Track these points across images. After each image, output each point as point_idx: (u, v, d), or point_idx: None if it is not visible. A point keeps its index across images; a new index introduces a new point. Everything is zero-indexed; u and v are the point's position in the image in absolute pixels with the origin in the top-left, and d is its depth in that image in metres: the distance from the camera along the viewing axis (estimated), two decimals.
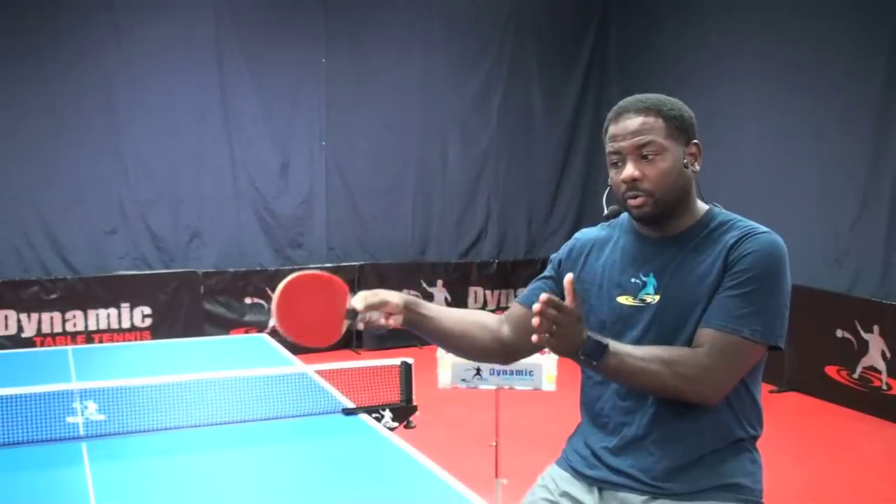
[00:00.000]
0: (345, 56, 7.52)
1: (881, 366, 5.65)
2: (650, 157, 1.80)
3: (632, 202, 1.83)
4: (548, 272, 2.08)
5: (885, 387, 5.62)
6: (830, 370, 5.95)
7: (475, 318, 2.05)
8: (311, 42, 7.41)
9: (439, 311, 2.02)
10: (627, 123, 1.82)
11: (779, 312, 1.77)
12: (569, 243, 2.07)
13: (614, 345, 1.72)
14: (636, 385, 1.78)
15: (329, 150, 7.58)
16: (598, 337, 1.71)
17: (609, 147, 1.85)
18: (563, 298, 1.91)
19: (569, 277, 1.70)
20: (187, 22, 6.98)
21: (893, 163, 5.76)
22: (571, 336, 1.68)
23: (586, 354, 1.69)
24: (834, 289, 5.98)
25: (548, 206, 8.45)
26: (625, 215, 1.99)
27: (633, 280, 1.88)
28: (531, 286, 2.11)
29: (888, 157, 5.78)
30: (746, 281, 1.75)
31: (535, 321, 1.65)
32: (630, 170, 1.81)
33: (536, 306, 1.65)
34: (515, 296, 8.20)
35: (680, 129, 1.83)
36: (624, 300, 1.87)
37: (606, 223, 2.05)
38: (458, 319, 2.02)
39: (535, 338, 1.66)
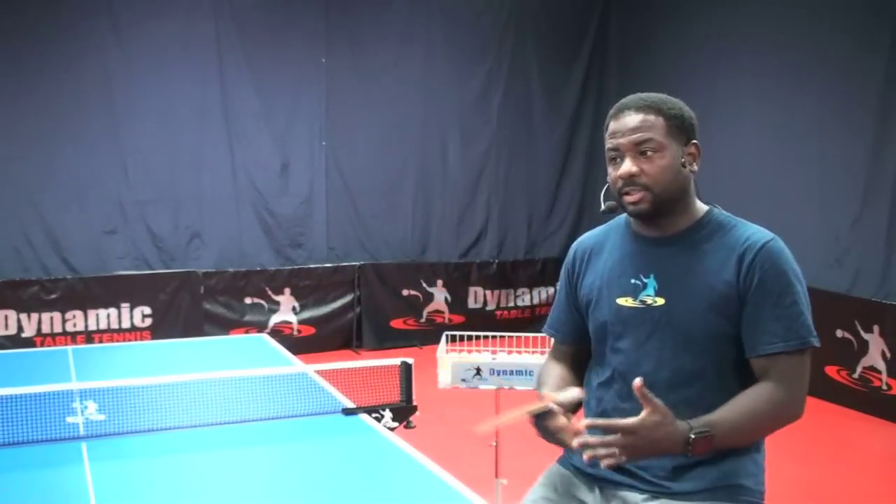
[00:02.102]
0: (345, 56, 7.51)
1: (881, 366, 5.65)
2: (648, 153, 1.81)
3: (628, 198, 1.83)
4: (560, 288, 2.10)
5: (885, 387, 5.62)
6: (830, 370, 5.95)
7: (559, 382, 2.01)
8: (311, 42, 7.40)
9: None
10: (627, 120, 1.83)
11: (810, 313, 1.81)
12: (569, 255, 2.09)
13: (710, 422, 1.70)
14: (736, 446, 1.78)
15: (329, 150, 7.58)
16: (702, 426, 1.68)
17: (608, 143, 1.86)
18: (577, 302, 1.95)
19: (636, 383, 1.65)
20: (187, 21, 6.97)
21: (894, 163, 5.76)
22: (669, 436, 1.66)
23: (694, 444, 1.68)
24: (834, 289, 5.97)
25: (548, 206, 8.44)
26: (622, 217, 2.00)
27: (632, 281, 1.88)
28: (552, 309, 2.13)
29: (888, 157, 5.78)
30: (783, 294, 1.77)
31: (587, 456, 1.64)
32: (627, 166, 1.81)
33: (578, 441, 1.66)
34: (516, 296, 8.19)
35: (680, 128, 1.84)
36: (624, 302, 1.87)
37: (603, 225, 2.06)
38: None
39: (605, 463, 1.64)
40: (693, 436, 1.66)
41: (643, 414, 1.64)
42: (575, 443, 1.67)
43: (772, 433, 1.82)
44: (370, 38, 7.59)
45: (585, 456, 1.65)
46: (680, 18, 7.53)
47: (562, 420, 1.78)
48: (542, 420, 1.79)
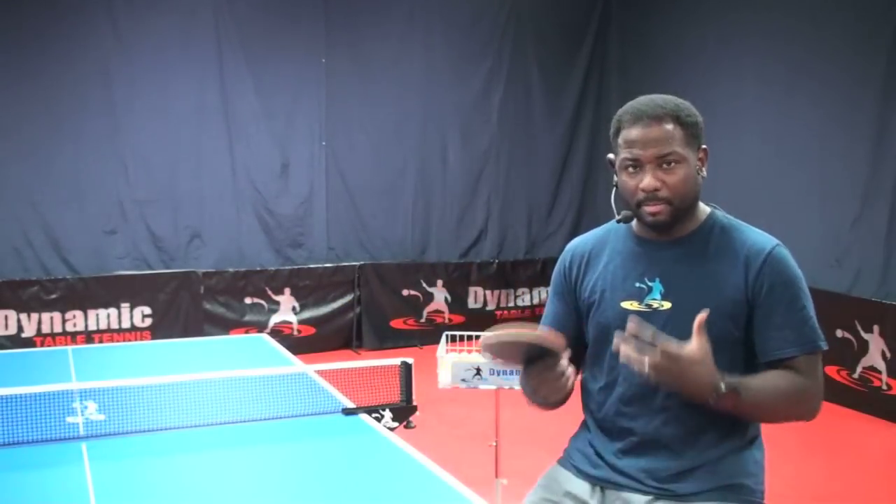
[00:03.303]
0: (345, 56, 7.51)
1: (881, 366, 5.65)
2: (670, 165, 1.79)
3: (649, 209, 1.81)
4: (556, 291, 2.05)
5: (885, 387, 5.62)
6: (830, 370, 5.94)
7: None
8: (311, 42, 7.40)
9: None
10: (648, 131, 1.79)
11: (816, 317, 1.85)
12: (564, 257, 2.05)
13: (741, 383, 1.71)
14: (753, 417, 1.80)
15: (329, 150, 7.58)
16: (734, 382, 1.70)
17: (625, 153, 1.82)
18: (577, 305, 1.94)
19: (701, 316, 1.67)
20: (187, 21, 6.97)
21: (894, 163, 5.76)
22: (701, 377, 1.67)
23: (721, 395, 1.69)
24: (834, 289, 5.97)
25: (548, 205, 8.44)
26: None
27: (637, 285, 1.87)
28: (547, 313, 2.08)
29: (888, 157, 5.78)
30: (793, 300, 1.80)
31: (623, 351, 1.65)
32: (650, 180, 1.79)
33: (621, 336, 1.66)
34: (516, 296, 8.19)
35: (694, 135, 1.83)
36: (629, 305, 1.86)
37: (598, 228, 2.04)
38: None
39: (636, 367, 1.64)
40: (723, 386, 1.67)
41: (691, 345, 1.66)
42: (616, 337, 1.66)
43: (785, 420, 1.82)
44: (370, 38, 7.59)
45: (622, 350, 1.65)
46: (680, 18, 7.53)
47: (563, 364, 1.77)
48: (542, 360, 1.75)
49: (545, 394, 1.83)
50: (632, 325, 1.67)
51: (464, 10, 7.94)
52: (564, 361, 1.78)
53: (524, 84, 8.19)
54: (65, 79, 6.62)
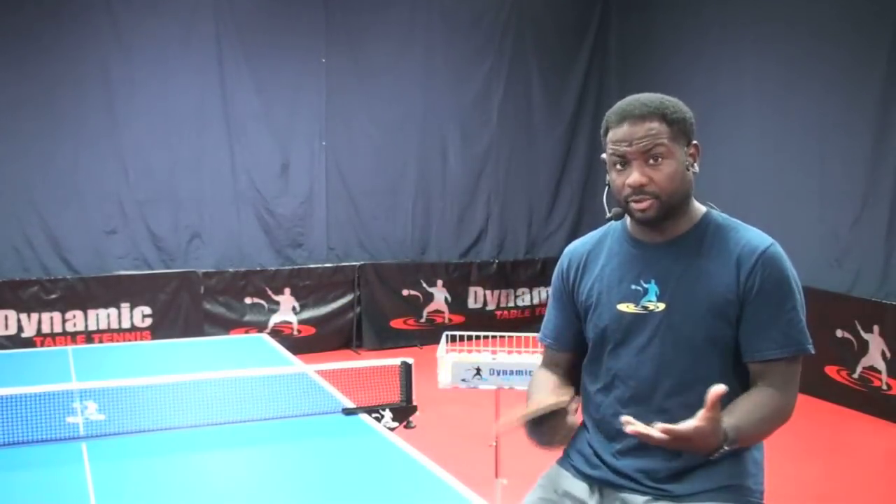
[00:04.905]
0: (345, 56, 7.51)
1: (881, 366, 5.65)
2: (657, 160, 1.79)
3: (637, 206, 1.81)
4: (555, 295, 2.07)
5: (885, 387, 5.62)
6: (830, 370, 5.95)
7: (555, 389, 1.98)
8: (311, 42, 7.40)
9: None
10: (633, 129, 1.80)
11: (806, 320, 1.83)
12: (562, 261, 2.06)
13: (737, 430, 1.70)
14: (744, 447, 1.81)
15: (329, 150, 7.58)
16: (733, 438, 1.68)
17: (612, 150, 1.83)
18: (576, 309, 1.93)
19: (716, 391, 1.61)
20: (187, 21, 6.97)
21: (894, 162, 5.76)
22: (709, 444, 1.66)
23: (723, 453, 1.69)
24: (834, 289, 5.97)
25: (548, 206, 8.44)
26: (616, 223, 1.99)
27: (633, 287, 1.87)
28: (548, 318, 2.09)
29: (888, 157, 5.78)
30: (783, 300, 1.79)
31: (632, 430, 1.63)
32: (637, 176, 1.79)
33: (627, 425, 1.62)
34: (516, 296, 8.19)
35: (682, 131, 1.83)
36: (625, 307, 1.87)
37: (596, 231, 2.04)
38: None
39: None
40: (726, 447, 1.67)
41: (701, 422, 1.60)
42: (627, 427, 1.62)
43: (767, 436, 1.84)
44: (370, 38, 7.59)
45: (631, 430, 1.62)
46: (680, 18, 7.53)
47: (571, 419, 1.80)
48: (549, 419, 1.78)
49: (559, 440, 1.85)
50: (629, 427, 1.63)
51: (464, 10, 7.94)
52: (572, 418, 1.81)
53: (524, 84, 8.19)
54: (65, 78, 6.62)
